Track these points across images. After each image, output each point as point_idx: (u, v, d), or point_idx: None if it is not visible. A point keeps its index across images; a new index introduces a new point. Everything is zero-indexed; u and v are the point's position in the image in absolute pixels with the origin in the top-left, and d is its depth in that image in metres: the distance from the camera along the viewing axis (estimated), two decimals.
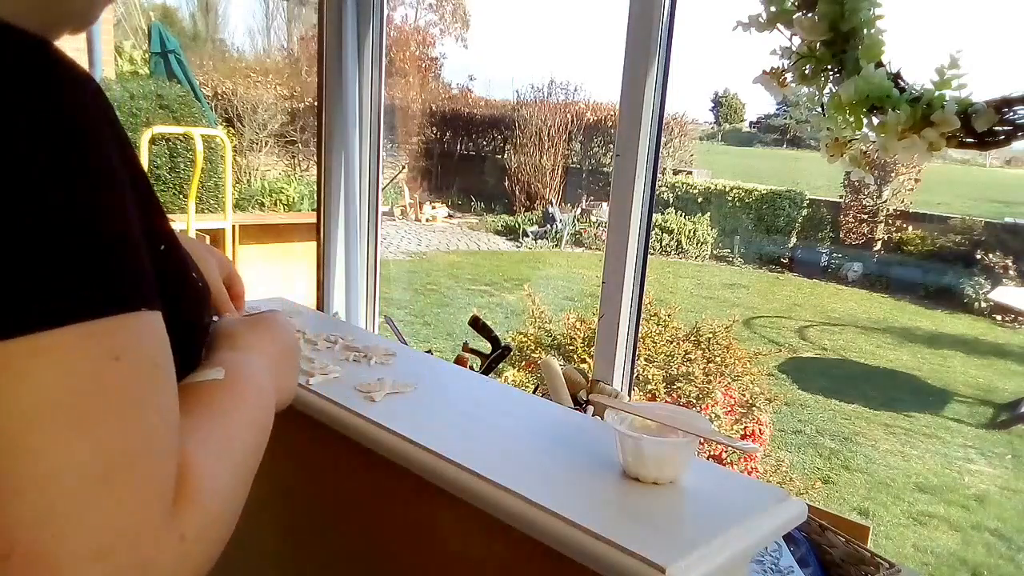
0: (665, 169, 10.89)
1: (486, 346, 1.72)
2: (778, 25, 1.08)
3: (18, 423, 0.39)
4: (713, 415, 3.17)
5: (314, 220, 2.40)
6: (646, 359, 3.38)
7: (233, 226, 4.80)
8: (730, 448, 2.68)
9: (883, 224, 9.35)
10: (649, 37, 1.52)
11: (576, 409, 1.42)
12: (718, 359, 3.45)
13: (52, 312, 0.40)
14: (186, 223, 4.47)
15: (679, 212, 10.21)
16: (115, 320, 0.42)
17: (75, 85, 0.45)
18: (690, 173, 11.47)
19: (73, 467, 0.40)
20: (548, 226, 10.54)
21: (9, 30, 0.44)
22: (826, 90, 1.08)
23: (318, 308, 2.37)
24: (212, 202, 6.39)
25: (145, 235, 0.47)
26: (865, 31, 1.02)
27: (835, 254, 9.50)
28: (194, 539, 0.46)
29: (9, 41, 0.44)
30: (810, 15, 1.04)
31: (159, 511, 0.43)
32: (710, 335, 3.53)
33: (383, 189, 2.46)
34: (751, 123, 21.83)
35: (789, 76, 1.11)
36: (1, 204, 0.40)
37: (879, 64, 1.01)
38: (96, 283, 0.42)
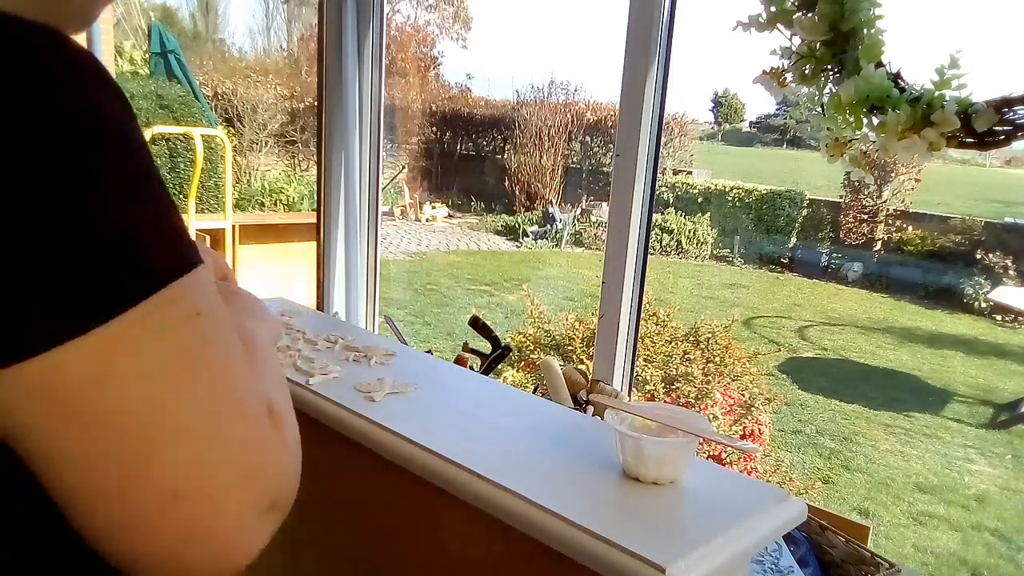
0: (665, 169, 10.89)
1: (486, 346, 1.72)
2: (778, 25, 1.08)
3: (149, 388, 0.43)
4: (712, 415, 3.16)
5: (314, 220, 2.40)
6: (645, 359, 3.38)
7: (233, 226, 4.80)
8: (730, 448, 2.68)
9: (883, 224, 9.35)
10: (649, 37, 1.52)
11: (576, 409, 1.42)
12: (717, 359, 3.45)
13: (144, 284, 0.44)
14: (186, 223, 4.46)
15: (679, 212, 10.21)
16: (186, 279, 0.46)
17: (85, 68, 0.47)
18: (690, 173, 11.46)
19: (204, 408, 0.45)
20: (548, 226, 10.53)
21: (28, 24, 0.45)
22: (826, 90, 1.08)
23: (318, 308, 2.37)
24: (212, 202, 6.39)
25: None
26: (865, 31, 1.01)
27: (835, 254, 9.50)
28: (293, 447, 0.53)
29: (40, 34, 0.45)
30: (810, 15, 1.04)
31: (271, 426, 0.50)
32: (709, 335, 3.53)
33: (383, 189, 2.46)
34: (751, 123, 21.82)
35: (789, 76, 1.11)
36: (73, 193, 0.42)
37: (879, 64, 1.01)
38: (167, 250, 0.46)
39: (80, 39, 0.49)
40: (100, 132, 0.45)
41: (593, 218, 10.65)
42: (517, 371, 3.57)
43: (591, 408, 1.43)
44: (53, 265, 0.41)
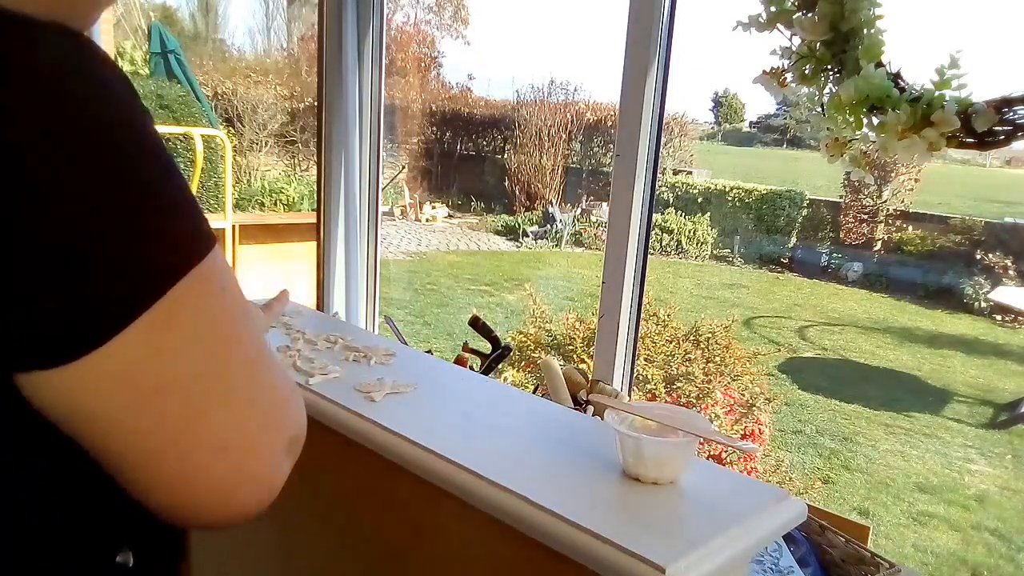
0: (665, 169, 10.88)
1: (486, 346, 1.72)
2: (778, 25, 1.08)
3: (194, 361, 0.48)
4: (713, 415, 3.16)
5: (314, 220, 2.40)
6: (646, 359, 3.38)
7: (233, 226, 4.79)
8: (730, 448, 2.68)
9: (883, 224, 9.35)
10: (649, 37, 1.52)
11: (576, 409, 1.42)
12: (718, 359, 3.45)
13: (178, 265, 0.47)
14: None
15: (679, 212, 10.20)
16: (211, 256, 0.50)
17: (105, 66, 0.50)
18: (690, 173, 11.45)
19: (241, 374, 0.51)
20: (548, 226, 10.53)
21: (43, 24, 0.46)
22: (826, 90, 1.08)
23: (318, 308, 2.37)
24: (212, 202, 6.39)
25: None
26: (865, 31, 1.01)
27: (835, 254, 9.49)
28: (297, 390, 0.60)
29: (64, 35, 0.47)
30: (810, 15, 1.04)
31: (284, 375, 0.57)
32: (710, 335, 3.53)
33: (383, 189, 2.46)
34: (751, 123, 21.79)
35: (789, 76, 1.11)
36: (100, 191, 0.44)
37: (879, 64, 1.01)
38: (192, 229, 0.50)
39: (84, 36, 0.50)
40: (125, 126, 0.47)
41: (593, 218, 10.65)
42: (517, 371, 3.56)
43: (591, 408, 1.43)
44: (105, 257, 0.44)
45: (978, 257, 8.29)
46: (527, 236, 10.44)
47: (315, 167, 3.17)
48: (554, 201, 11.12)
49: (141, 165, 0.47)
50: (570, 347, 3.59)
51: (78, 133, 0.44)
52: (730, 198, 10.31)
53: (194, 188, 4.65)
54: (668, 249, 9.89)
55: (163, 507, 0.50)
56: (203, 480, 0.49)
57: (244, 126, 10.31)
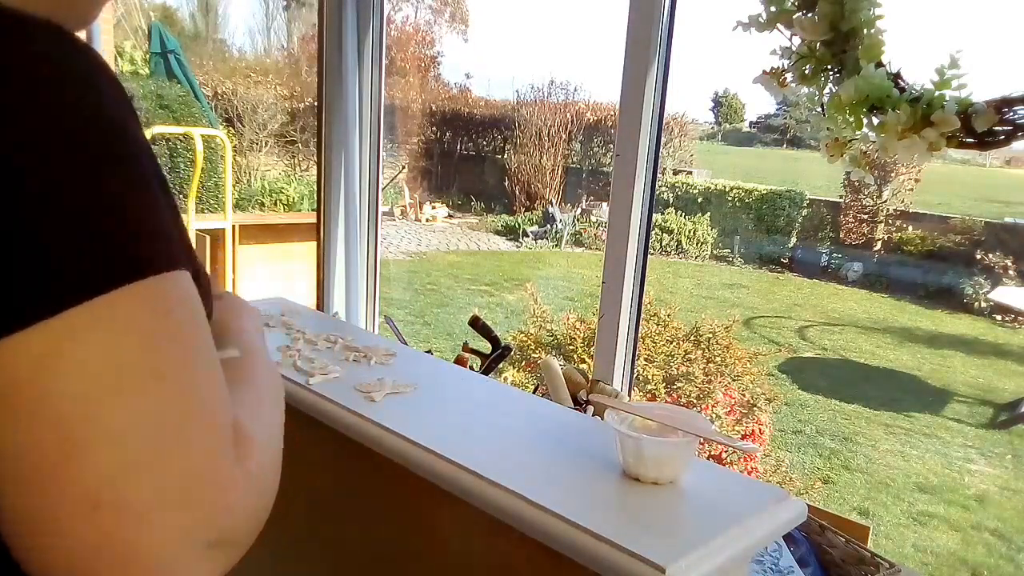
0: (665, 169, 10.88)
1: (486, 346, 1.72)
2: (778, 25, 1.08)
3: (90, 385, 0.41)
4: (713, 415, 3.16)
5: (314, 220, 2.40)
6: (646, 359, 3.38)
7: (233, 226, 4.79)
8: (730, 448, 2.68)
9: (883, 224, 9.34)
10: (649, 37, 1.52)
11: (576, 409, 1.42)
12: (718, 359, 3.45)
13: (105, 277, 0.42)
14: (186, 223, 4.46)
15: (679, 212, 10.20)
16: (161, 279, 0.45)
17: (100, 70, 0.48)
18: (690, 173, 11.45)
19: (148, 418, 0.42)
20: (548, 226, 10.53)
21: (38, 21, 0.46)
22: (826, 90, 1.08)
23: (318, 308, 2.37)
24: (212, 202, 6.39)
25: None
26: (865, 31, 1.01)
27: (835, 254, 9.49)
28: (259, 481, 0.50)
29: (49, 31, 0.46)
30: (810, 15, 1.04)
31: (228, 452, 0.46)
32: (710, 335, 3.53)
33: (383, 189, 2.46)
34: (751, 123, 21.78)
35: (789, 76, 1.11)
36: (42, 183, 0.42)
37: (879, 64, 1.01)
38: (140, 245, 0.45)
39: (79, 38, 0.50)
40: (92, 124, 0.45)
41: (593, 218, 10.65)
42: (518, 371, 3.57)
43: (591, 408, 1.43)
44: (6, 250, 0.40)
45: (978, 257, 8.28)
46: (527, 236, 10.44)
47: (315, 167, 3.17)
48: (554, 201, 11.12)
49: (106, 169, 0.44)
50: (570, 347, 3.59)
51: (58, 130, 0.43)
52: (730, 198, 10.31)
53: (194, 188, 4.64)
54: (668, 249, 9.89)
55: (22, 557, 0.42)
56: (61, 535, 0.40)
57: (244, 126, 10.31)
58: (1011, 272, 8.00)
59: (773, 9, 1.07)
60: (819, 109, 1.09)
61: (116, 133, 0.46)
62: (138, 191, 0.46)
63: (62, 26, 0.47)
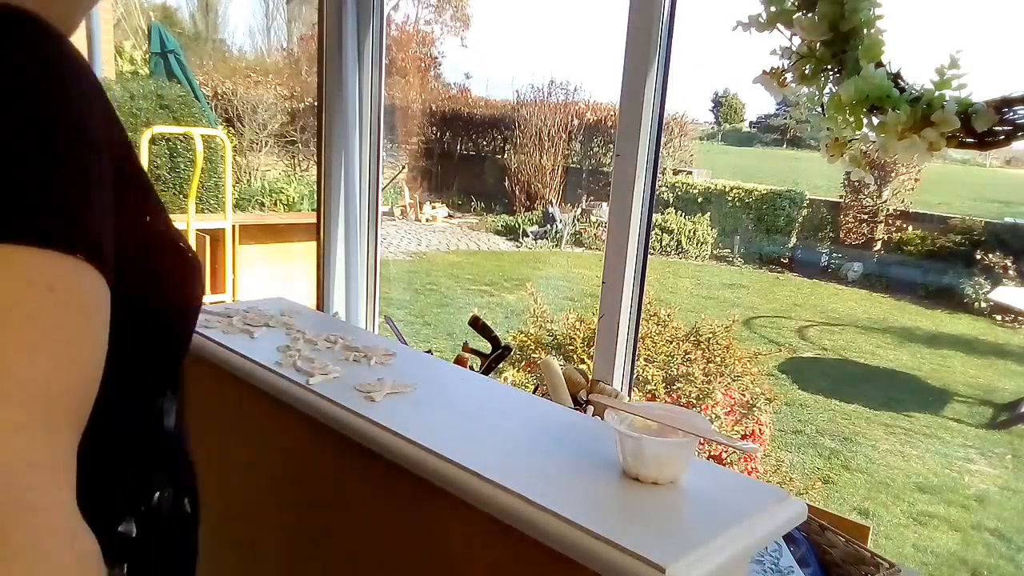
0: (665, 169, 10.88)
1: (486, 346, 1.72)
2: (778, 25, 1.08)
3: None
4: (713, 415, 3.16)
5: (314, 220, 2.40)
6: (646, 359, 3.38)
7: (233, 226, 4.79)
8: (730, 448, 2.68)
9: (883, 224, 9.34)
10: (649, 37, 1.52)
11: (576, 409, 1.42)
12: (718, 359, 3.45)
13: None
14: (186, 223, 4.47)
15: (679, 212, 10.20)
16: (53, 255, 0.44)
17: (69, 61, 0.50)
18: (690, 173, 11.45)
19: None
20: (548, 226, 10.53)
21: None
22: (826, 90, 1.08)
23: (318, 308, 2.37)
24: (212, 202, 6.38)
25: (126, 208, 0.52)
26: (865, 31, 1.01)
27: (835, 254, 9.49)
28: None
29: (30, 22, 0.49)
30: (810, 15, 1.04)
31: (69, 445, 0.44)
32: (710, 335, 3.53)
33: (383, 189, 2.46)
34: (751, 123, 21.80)
35: (789, 76, 1.11)
36: None
37: (879, 64, 1.01)
38: (40, 216, 0.45)
39: (80, 39, 0.51)
40: (39, 103, 0.46)
41: (593, 218, 10.65)
42: (518, 371, 3.56)
43: (591, 408, 1.43)
44: None
45: (978, 257, 8.28)
46: (527, 236, 10.44)
47: (315, 167, 3.17)
48: (554, 201, 11.12)
49: (36, 143, 0.46)
50: (570, 347, 3.59)
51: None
52: (730, 198, 10.31)
53: (194, 188, 4.64)
54: (668, 249, 9.89)
55: None
56: None
57: (244, 126, 10.31)
58: (1011, 272, 8.00)
59: (773, 9, 1.07)
60: (819, 109, 1.09)
61: (63, 118, 0.48)
62: (64, 174, 0.47)
63: (41, 18, 0.49)
